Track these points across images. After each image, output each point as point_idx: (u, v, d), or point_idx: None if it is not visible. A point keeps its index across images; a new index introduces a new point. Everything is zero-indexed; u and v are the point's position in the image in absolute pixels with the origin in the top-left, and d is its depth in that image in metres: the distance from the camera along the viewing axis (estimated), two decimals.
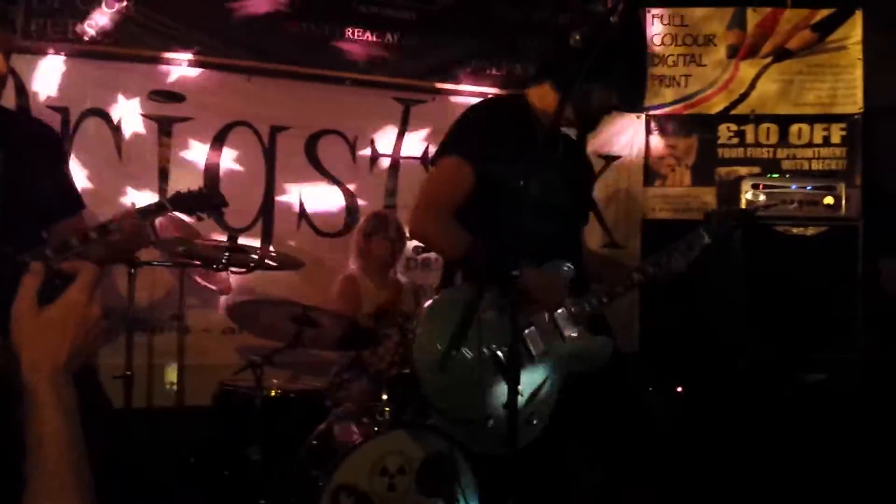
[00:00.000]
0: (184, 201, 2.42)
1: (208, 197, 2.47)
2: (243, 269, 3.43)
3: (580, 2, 4.78)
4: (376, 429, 2.83)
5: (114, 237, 2.13)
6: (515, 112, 2.44)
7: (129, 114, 3.98)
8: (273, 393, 3.12)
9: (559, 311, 2.31)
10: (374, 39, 4.45)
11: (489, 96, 2.63)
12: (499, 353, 2.15)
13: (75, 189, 2.63)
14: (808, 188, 4.28)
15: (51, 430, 0.95)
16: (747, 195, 4.27)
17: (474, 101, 4.43)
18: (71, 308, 1.01)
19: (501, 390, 1.96)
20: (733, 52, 4.91)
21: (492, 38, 4.70)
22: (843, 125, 4.84)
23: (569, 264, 2.36)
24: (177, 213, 2.62)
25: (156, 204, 2.39)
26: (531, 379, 2.26)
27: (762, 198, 4.24)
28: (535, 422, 2.24)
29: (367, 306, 3.68)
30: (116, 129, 3.95)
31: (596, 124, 2.56)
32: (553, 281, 2.33)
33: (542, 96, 2.47)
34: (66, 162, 2.59)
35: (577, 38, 2.16)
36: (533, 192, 1.91)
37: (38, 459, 0.94)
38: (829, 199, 4.23)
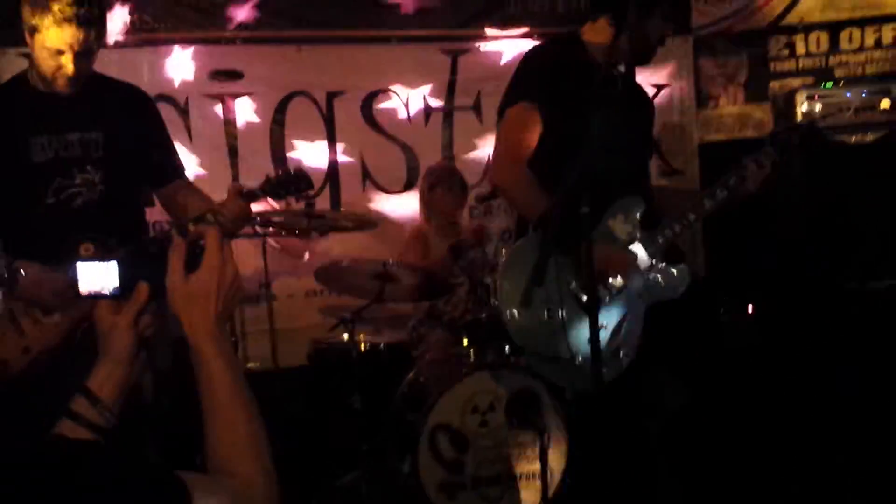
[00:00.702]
0: (275, 187, 2.51)
1: (297, 181, 2.55)
2: (322, 234, 3.61)
3: None
4: (463, 371, 3.00)
5: (224, 219, 2.30)
6: (572, 52, 2.51)
7: (193, 95, 4.16)
8: (363, 347, 3.33)
9: (633, 243, 2.42)
10: None
11: (544, 41, 2.68)
12: (579, 290, 2.28)
13: (175, 154, 2.75)
14: (864, 94, 4.25)
15: (218, 376, 1.13)
16: (803, 108, 4.27)
17: (519, 42, 4.60)
18: (212, 272, 1.18)
19: (585, 328, 2.09)
20: None
21: None
22: (893, 25, 4.75)
23: (639, 198, 2.46)
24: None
25: (250, 192, 2.48)
26: (613, 314, 2.38)
27: (818, 108, 4.24)
28: (622, 355, 2.36)
29: (435, 256, 3.83)
30: (184, 112, 4.15)
31: (651, 56, 2.60)
32: (621, 257, 2.41)
33: (598, 32, 2.51)
34: (164, 127, 2.69)
35: None
36: (597, 130, 2.01)
37: (213, 401, 1.13)
38: (885, 103, 4.20)
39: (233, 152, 4.27)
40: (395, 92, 4.53)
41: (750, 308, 4.22)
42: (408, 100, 4.56)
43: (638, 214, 2.45)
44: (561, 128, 2.35)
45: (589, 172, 1.95)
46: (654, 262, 2.46)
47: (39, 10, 2.24)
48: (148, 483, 0.96)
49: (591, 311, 1.97)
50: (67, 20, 2.24)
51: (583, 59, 2.48)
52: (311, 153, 4.40)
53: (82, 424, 1.17)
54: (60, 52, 2.29)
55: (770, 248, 4.39)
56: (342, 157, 4.46)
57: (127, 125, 2.52)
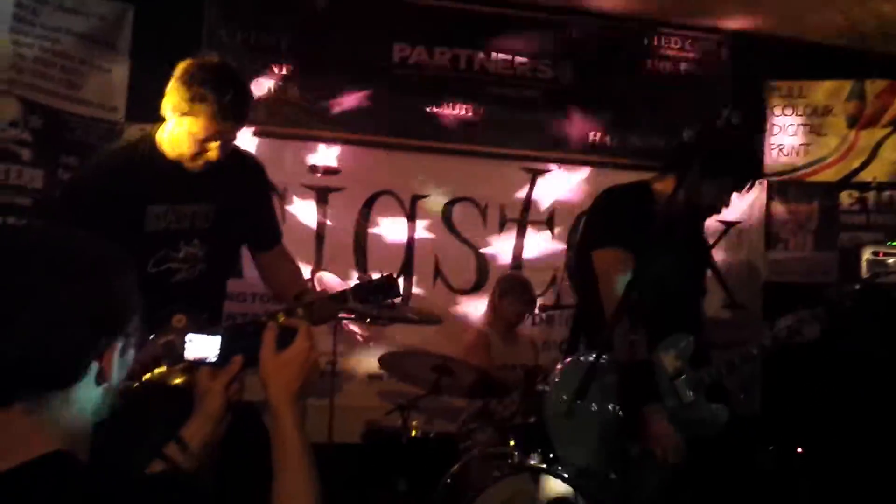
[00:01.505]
0: (365, 293, 2.55)
1: (386, 289, 2.56)
2: (391, 323, 3.86)
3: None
4: (505, 471, 3.14)
5: (313, 317, 2.49)
6: (644, 199, 2.77)
7: (292, 185, 4.56)
8: (414, 433, 3.51)
9: (680, 378, 2.58)
10: (506, 116, 4.89)
11: (620, 184, 2.94)
12: (620, 412, 2.44)
13: (277, 221, 2.88)
14: None
15: (291, 440, 1.37)
16: (867, 261, 4.38)
17: (594, 169, 4.91)
18: (299, 353, 1.44)
19: (621, 446, 2.24)
20: (853, 122, 5.04)
21: (613, 113, 5.05)
22: None
23: (689, 337, 2.64)
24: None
25: (341, 295, 2.56)
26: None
27: (888, 263, 4.34)
28: (652, 478, 2.50)
29: (495, 359, 4.03)
30: (281, 198, 4.54)
31: (707, 216, 2.84)
32: (670, 433, 2.52)
33: (663, 182, 2.79)
34: (271, 195, 2.80)
35: (692, 134, 2.47)
36: (657, 274, 2.21)
37: (284, 462, 1.36)
38: None
39: (319, 240, 4.62)
40: (474, 201, 4.85)
41: (799, 448, 4.24)
42: (486, 208, 4.86)
43: (687, 351, 2.62)
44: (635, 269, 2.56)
45: (643, 307, 2.15)
46: (696, 397, 2.61)
47: (198, 97, 2.32)
48: None
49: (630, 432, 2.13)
50: (224, 114, 2.33)
51: (651, 206, 2.74)
52: (390, 247, 4.71)
53: (171, 467, 1.41)
54: (209, 140, 2.38)
55: (826, 391, 4.42)
56: (417, 255, 4.76)
57: (240, 196, 2.62)
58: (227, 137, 2.42)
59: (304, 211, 4.60)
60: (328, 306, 2.52)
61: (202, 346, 1.46)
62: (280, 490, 1.34)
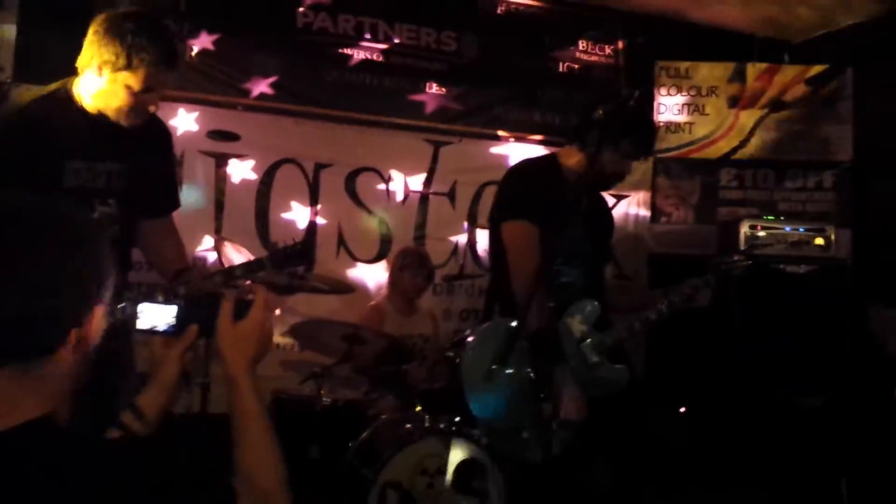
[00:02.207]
0: (281, 260, 2.60)
1: (301, 256, 2.63)
2: (297, 292, 3.84)
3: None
4: (416, 434, 3.24)
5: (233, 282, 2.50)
6: (552, 172, 2.91)
7: (189, 150, 4.44)
8: (325, 401, 3.55)
9: (585, 341, 2.74)
10: (409, 87, 4.93)
11: (528, 158, 3.10)
12: (532, 375, 2.57)
13: (177, 189, 2.87)
14: (801, 230, 4.71)
15: (250, 407, 1.40)
16: (746, 234, 4.71)
17: (494, 143, 5.04)
18: (256, 323, 1.46)
19: (534, 407, 2.37)
20: (733, 103, 5.37)
21: (512, 87, 5.18)
22: (834, 172, 5.28)
23: (594, 302, 2.80)
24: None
25: (257, 263, 2.59)
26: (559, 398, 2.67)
27: (759, 236, 4.68)
28: (563, 435, 2.65)
29: (389, 330, 4.10)
30: (179, 164, 4.40)
31: (608, 184, 3.01)
32: (577, 394, 2.68)
33: (569, 156, 2.94)
34: (175, 161, 2.79)
35: (601, 113, 2.61)
36: (564, 241, 2.34)
37: (246, 430, 1.38)
38: (819, 240, 4.66)
39: (219, 206, 4.53)
40: (378, 171, 4.87)
41: (682, 409, 4.54)
42: (389, 179, 4.90)
43: (592, 316, 2.78)
44: (544, 239, 2.70)
45: (555, 277, 2.28)
46: (600, 359, 2.78)
47: (136, 48, 2.27)
48: (204, 483, 1.20)
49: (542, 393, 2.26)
50: (167, 63, 2.32)
51: (558, 178, 2.87)
52: (292, 215, 4.68)
53: (127, 434, 1.41)
54: (148, 90, 2.35)
55: (704, 356, 4.74)
56: (321, 222, 4.75)
57: (149, 157, 2.60)
58: (165, 88, 2.40)
59: (203, 178, 4.49)
60: (250, 276, 2.53)
61: (156, 316, 1.46)
62: (243, 458, 1.36)
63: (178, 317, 1.47)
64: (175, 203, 2.85)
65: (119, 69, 2.31)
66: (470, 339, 2.75)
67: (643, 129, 2.94)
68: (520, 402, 2.54)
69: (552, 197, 2.73)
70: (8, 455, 1.01)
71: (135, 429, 1.40)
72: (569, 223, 2.36)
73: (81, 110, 2.43)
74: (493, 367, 2.44)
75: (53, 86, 2.49)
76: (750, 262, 3.01)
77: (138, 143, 2.54)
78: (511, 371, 2.50)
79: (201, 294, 1.50)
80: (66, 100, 2.44)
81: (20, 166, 2.30)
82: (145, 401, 1.45)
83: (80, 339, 1.12)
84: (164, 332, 1.47)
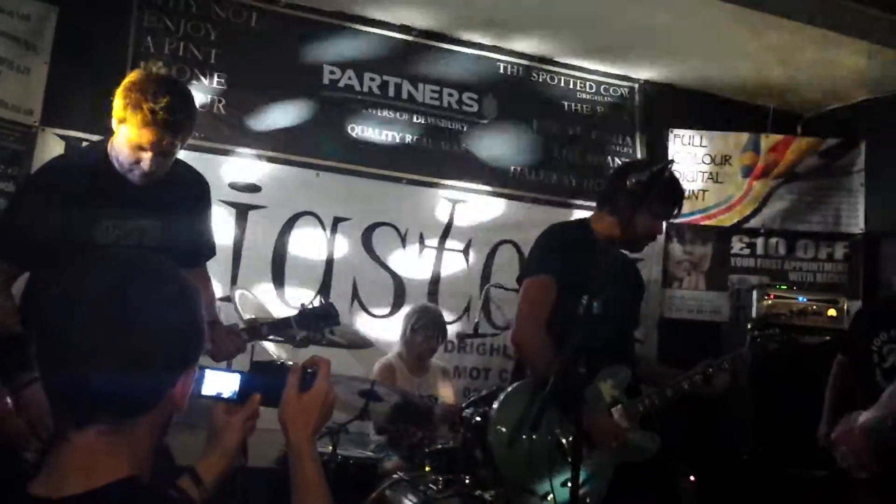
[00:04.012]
0: (309, 320, 2.66)
1: (327, 317, 2.69)
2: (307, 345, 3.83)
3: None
4: (435, 496, 3.18)
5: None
6: (583, 235, 2.94)
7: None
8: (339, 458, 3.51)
9: (616, 406, 2.74)
10: (429, 146, 5.01)
11: (561, 221, 3.15)
12: (563, 440, 2.56)
13: (212, 238, 2.88)
14: (815, 300, 4.73)
15: (311, 475, 1.41)
16: (758, 302, 4.73)
17: (510, 202, 5.09)
18: (320, 394, 1.48)
19: (562, 471, 2.36)
20: (747, 172, 5.44)
21: (530, 148, 5.26)
22: (845, 244, 5.32)
23: (626, 368, 2.80)
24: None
25: (284, 322, 2.66)
26: (588, 464, 2.64)
27: (770, 305, 4.69)
28: (588, 501, 2.63)
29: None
30: None
31: (640, 245, 3.04)
32: (611, 425, 2.72)
33: (600, 219, 2.98)
34: (210, 212, 2.80)
35: (633, 182, 2.65)
36: (596, 303, 2.35)
37: (305, 495, 1.39)
38: (832, 311, 4.68)
39: (236, 256, 4.55)
40: (395, 226, 4.91)
41: (692, 478, 4.49)
42: (405, 234, 4.93)
43: (624, 381, 2.78)
44: (570, 299, 2.71)
45: (586, 339, 2.28)
46: (631, 426, 2.76)
47: (132, 105, 2.32)
48: None
49: (574, 461, 2.24)
50: (156, 123, 2.32)
51: (590, 241, 2.90)
52: (308, 267, 4.69)
53: (184, 500, 1.39)
54: (142, 149, 2.37)
55: (713, 426, 4.71)
56: (336, 278, 4.76)
57: (185, 213, 2.63)
58: (161, 149, 2.39)
59: (222, 227, 4.52)
60: (276, 333, 2.55)
61: (219, 382, 1.47)
62: None
63: (241, 384, 1.48)
64: (210, 251, 2.87)
65: (121, 121, 2.38)
66: (500, 397, 2.75)
67: (675, 191, 2.98)
68: (547, 465, 2.53)
69: (584, 258, 2.75)
70: None
71: (192, 494, 1.39)
72: (602, 285, 2.38)
73: (111, 167, 2.47)
74: (522, 428, 2.43)
75: (96, 143, 2.57)
76: (790, 335, 3.02)
77: (171, 195, 2.57)
78: (539, 433, 2.48)
79: (266, 363, 1.51)
80: (103, 154, 2.50)
81: (55, 221, 2.35)
82: (204, 466, 1.44)
83: (172, 400, 1.13)
84: (228, 399, 1.48)
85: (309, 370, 1.49)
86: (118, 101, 2.38)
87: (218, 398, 1.48)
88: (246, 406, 1.49)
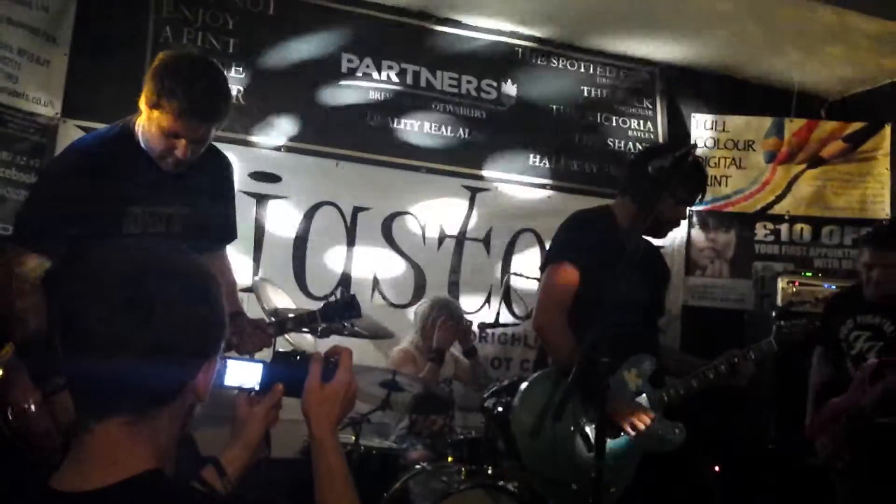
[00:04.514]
0: (333, 313, 2.68)
1: (350, 309, 2.69)
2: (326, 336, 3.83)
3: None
4: (451, 487, 3.18)
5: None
6: (606, 222, 2.91)
7: None
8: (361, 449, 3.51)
9: (641, 396, 2.71)
10: (448, 134, 4.97)
11: (584, 208, 3.11)
12: (587, 429, 2.54)
13: (235, 221, 2.85)
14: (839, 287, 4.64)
15: (335, 465, 1.39)
16: (783, 290, 4.65)
17: (530, 191, 5.05)
18: (343, 384, 1.46)
19: (587, 460, 2.33)
20: (771, 158, 5.36)
21: (549, 135, 5.20)
22: (869, 229, 5.23)
23: (652, 357, 2.77)
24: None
25: (309, 316, 2.68)
26: (614, 453, 2.63)
27: (796, 292, 4.61)
28: (612, 490, 2.61)
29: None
30: None
31: (664, 232, 3.00)
32: (637, 408, 2.69)
33: (624, 206, 2.94)
34: (233, 191, 2.77)
35: (656, 167, 2.61)
36: (620, 291, 2.33)
37: (329, 486, 1.38)
38: None
39: (258, 246, 4.55)
40: (415, 215, 4.89)
41: (717, 468, 4.46)
42: (425, 223, 4.91)
43: (648, 370, 2.74)
44: (593, 287, 2.69)
45: (610, 327, 2.25)
46: (656, 415, 2.73)
47: (166, 93, 2.22)
48: None
49: (598, 449, 2.21)
50: (192, 112, 2.24)
51: (613, 228, 2.86)
52: (329, 257, 4.69)
53: (207, 491, 1.39)
54: (176, 136, 2.29)
55: (741, 419, 4.65)
56: (357, 267, 4.75)
57: (210, 196, 2.58)
58: (196, 137, 2.31)
59: (243, 217, 4.50)
60: (302, 327, 2.54)
61: (242, 373, 1.45)
62: None
63: (263, 375, 1.46)
64: (232, 235, 2.84)
65: (152, 106, 2.28)
66: (522, 387, 2.73)
67: (699, 175, 2.94)
68: (571, 455, 2.51)
69: (607, 245, 2.73)
70: None
71: (216, 486, 1.38)
72: (625, 272, 2.35)
73: (140, 150, 2.38)
74: (545, 417, 2.41)
75: (119, 123, 2.47)
76: (817, 323, 2.98)
77: (202, 182, 2.53)
78: (563, 423, 2.46)
79: (287, 353, 1.50)
80: (128, 138, 2.40)
81: (82, 211, 2.30)
82: (228, 458, 1.43)
83: (194, 391, 1.12)
84: (250, 389, 1.46)
85: (331, 360, 1.47)
86: (150, 85, 2.27)
87: (240, 389, 1.46)
88: (268, 396, 1.47)
